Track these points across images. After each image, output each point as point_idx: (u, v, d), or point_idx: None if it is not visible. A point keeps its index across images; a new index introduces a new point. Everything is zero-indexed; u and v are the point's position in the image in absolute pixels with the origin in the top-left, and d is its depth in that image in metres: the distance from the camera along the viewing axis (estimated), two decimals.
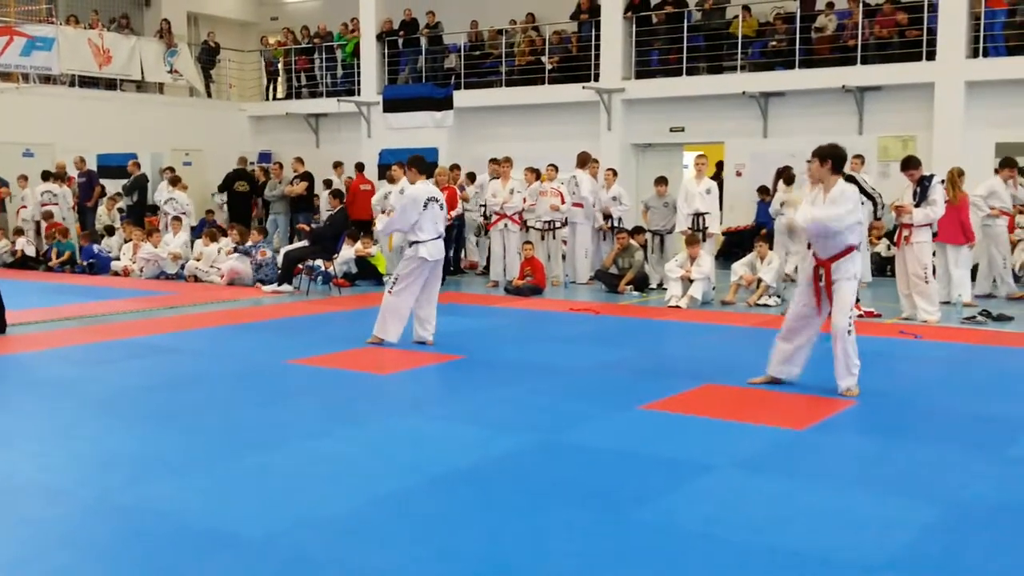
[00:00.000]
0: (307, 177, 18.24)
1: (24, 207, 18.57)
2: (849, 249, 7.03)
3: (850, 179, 11.31)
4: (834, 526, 4.47)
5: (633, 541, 4.29)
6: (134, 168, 18.74)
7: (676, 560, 4.12)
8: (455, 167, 16.45)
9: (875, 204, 11.53)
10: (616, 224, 14.71)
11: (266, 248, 14.71)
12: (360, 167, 18.72)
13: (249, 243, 14.78)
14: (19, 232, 17.74)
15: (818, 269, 7.09)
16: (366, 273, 14.78)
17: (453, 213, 14.58)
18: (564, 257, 15.14)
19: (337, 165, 19.80)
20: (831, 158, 7.03)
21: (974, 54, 16.03)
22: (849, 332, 7.00)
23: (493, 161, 15.80)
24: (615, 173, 15.34)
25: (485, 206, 15.60)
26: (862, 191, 11.45)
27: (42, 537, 4.43)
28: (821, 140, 15.77)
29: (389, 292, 9.29)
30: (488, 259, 15.74)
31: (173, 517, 4.60)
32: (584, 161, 15.00)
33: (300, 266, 13.95)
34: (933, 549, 4.23)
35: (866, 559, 4.08)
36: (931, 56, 16.15)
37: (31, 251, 17.55)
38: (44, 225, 17.83)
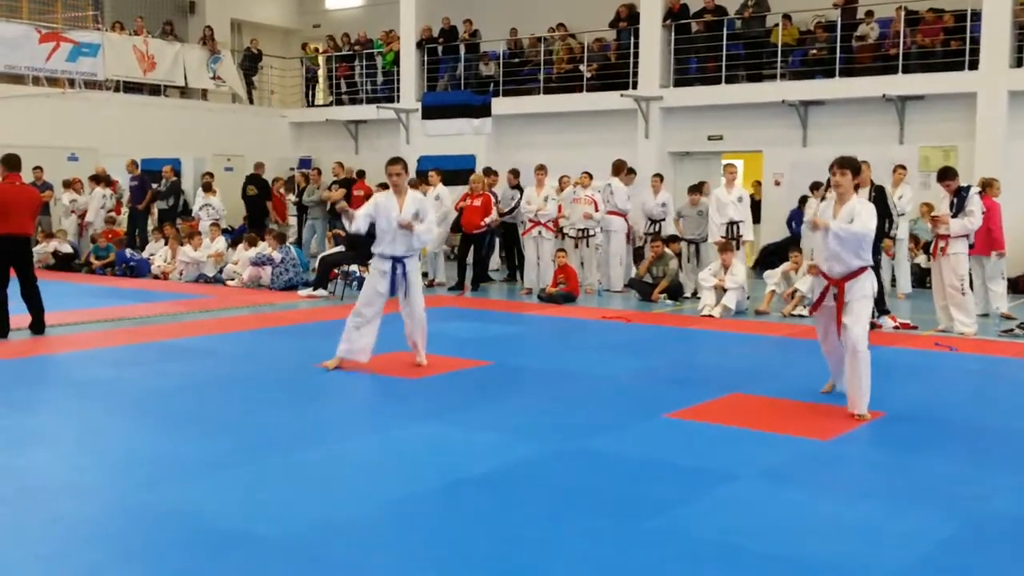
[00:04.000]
0: (346, 183, 18.39)
1: (73, 212, 18.86)
2: (863, 269, 6.89)
3: (879, 191, 11.23)
4: (851, 538, 4.44)
5: (648, 549, 4.29)
6: (169, 174, 19.00)
7: (690, 568, 4.12)
8: (488, 171, 16.47)
9: (891, 222, 11.42)
10: (654, 232, 14.67)
11: (277, 253, 14.83)
12: (361, 174, 19.21)
13: (265, 253, 14.92)
14: (49, 235, 17.92)
15: (829, 289, 6.94)
16: None
17: (487, 219, 14.63)
18: (598, 265, 15.13)
19: (361, 175, 20.00)
20: (856, 171, 6.90)
21: (1018, 64, 15.84)
22: (867, 350, 6.76)
23: (512, 173, 15.99)
24: (662, 179, 15.31)
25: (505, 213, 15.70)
26: (885, 206, 11.29)
27: (72, 535, 4.51)
28: (862, 150, 15.71)
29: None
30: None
31: (196, 517, 4.67)
32: (619, 169, 14.98)
33: (336, 271, 14.07)
34: (949, 562, 4.20)
35: (880, 571, 4.06)
36: (974, 66, 15.97)
37: (67, 248, 17.76)
38: (102, 230, 18.05)
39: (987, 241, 11.68)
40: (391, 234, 8.42)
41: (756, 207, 14.53)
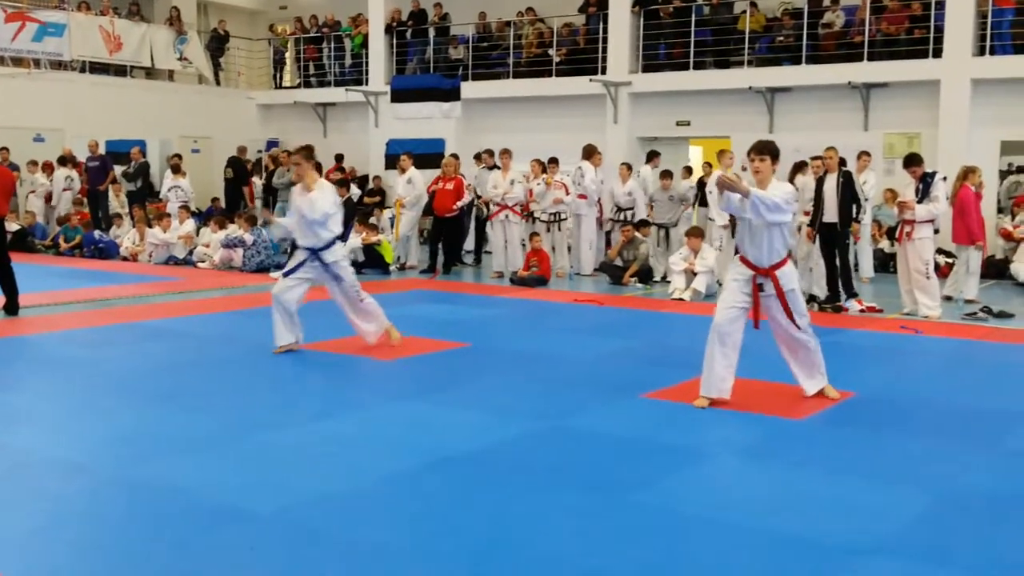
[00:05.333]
0: (317, 167, 18.34)
1: (33, 192, 18.71)
2: (786, 259, 6.62)
3: (847, 177, 11.44)
4: (826, 512, 4.59)
5: (631, 522, 4.42)
6: (137, 155, 18.86)
7: (672, 540, 4.25)
8: (456, 156, 16.54)
9: (859, 207, 11.68)
10: (626, 219, 14.78)
11: (249, 235, 14.84)
12: (339, 158, 19.47)
13: (235, 235, 14.93)
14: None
15: (756, 278, 6.56)
16: (373, 261, 14.90)
17: (460, 203, 14.70)
18: (569, 249, 15.25)
19: (339, 158, 20.03)
20: (775, 156, 6.58)
21: (981, 52, 16.09)
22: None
23: (487, 153, 15.96)
24: (630, 168, 15.42)
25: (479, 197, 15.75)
26: (853, 192, 11.53)
27: (59, 511, 4.57)
28: (827, 136, 15.94)
29: (362, 302, 8.54)
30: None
31: (184, 493, 4.73)
32: (591, 153, 15.07)
33: None
34: (922, 536, 4.35)
35: (855, 544, 4.21)
36: (938, 54, 16.21)
37: (14, 227, 17.48)
38: (71, 212, 17.86)
39: (967, 231, 11.95)
40: (299, 228, 8.38)
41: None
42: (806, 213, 12.78)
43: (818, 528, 4.37)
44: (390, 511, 4.60)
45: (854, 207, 11.54)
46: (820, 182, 11.61)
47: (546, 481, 5.00)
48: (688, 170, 16.12)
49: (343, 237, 13.73)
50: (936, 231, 11.37)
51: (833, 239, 11.57)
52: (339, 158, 20.40)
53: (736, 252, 6.86)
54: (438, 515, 4.52)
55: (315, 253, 8.29)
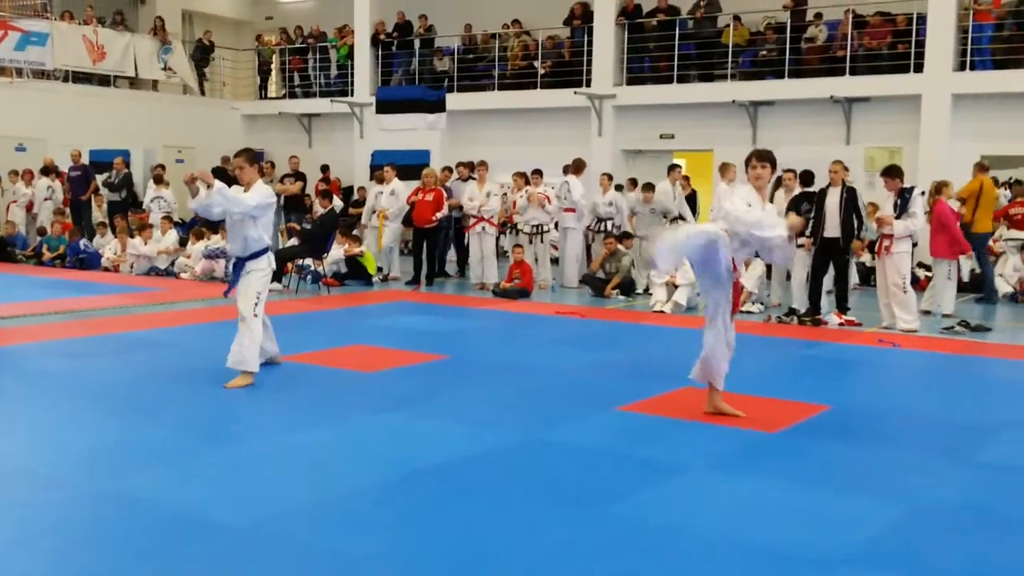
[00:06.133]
0: (302, 177, 18.37)
1: (14, 202, 18.66)
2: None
3: (851, 192, 11.40)
4: (798, 523, 4.62)
5: (605, 534, 4.43)
6: (120, 166, 18.81)
7: (644, 552, 4.26)
8: (448, 169, 16.60)
9: (861, 223, 11.57)
10: (610, 230, 14.80)
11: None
12: (324, 169, 19.60)
13: (216, 245, 14.91)
14: None
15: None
16: (356, 273, 14.91)
17: (439, 214, 14.72)
18: (556, 261, 15.28)
19: (325, 169, 20.04)
20: (775, 164, 6.72)
21: (961, 67, 16.24)
22: None
23: (463, 165, 15.96)
24: (611, 178, 15.44)
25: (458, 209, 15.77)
26: (857, 207, 11.49)
27: (33, 522, 4.55)
28: (809, 149, 15.98)
29: (255, 316, 7.75)
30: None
31: (160, 505, 4.72)
32: (579, 167, 15.07)
33: (290, 265, 14.08)
34: (892, 546, 4.37)
35: (825, 554, 4.23)
36: (919, 68, 16.36)
37: None
38: (52, 223, 17.81)
39: (947, 245, 12.00)
40: (230, 232, 7.87)
41: (692, 201, 14.76)
42: None
43: (790, 539, 4.40)
44: (364, 523, 4.60)
45: (856, 223, 11.42)
46: (822, 195, 11.56)
47: (520, 493, 5.01)
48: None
49: (324, 249, 13.89)
50: (915, 244, 11.42)
51: (832, 254, 11.55)
52: (324, 169, 20.40)
53: None
54: (411, 526, 4.53)
55: (242, 262, 7.78)
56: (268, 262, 7.89)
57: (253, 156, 7.96)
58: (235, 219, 7.71)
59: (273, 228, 18.03)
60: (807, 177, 12.55)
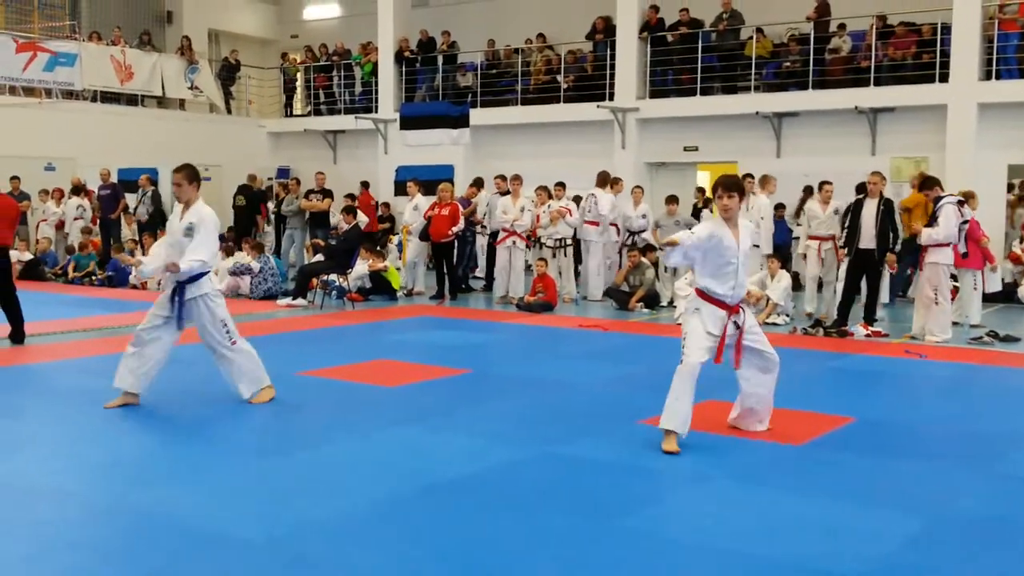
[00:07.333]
0: (329, 194, 18.46)
1: (44, 220, 18.87)
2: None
3: (888, 204, 11.25)
4: (817, 536, 4.57)
5: (620, 548, 4.40)
6: (146, 183, 18.94)
7: (658, 566, 4.23)
8: (475, 184, 16.69)
9: (896, 236, 11.37)
10: (633, 243, 14.78)
11: (256, 262, 14.89)
12: (365, 184, 19.53)
13: (241, 262, 14.98)
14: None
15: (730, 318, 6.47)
16: (380, 288, 14.96)
17: (455, 228, 14.73)
18: (579, 274, 15.26)
19: (365, 185, 20.15)
20: (743, 193, 6.45)
21: (987, 76, 16.13)
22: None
23: (500, 178, 15.95)
24: (643, 191, 15.42)
25: (482, 226, 15.75)
26: (893, 220, 11.32)
27: (51, 538, 4.58)
28: (834, 160, 15.88)
29: (233, 344, 7.44)
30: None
31: (178, 520, 4.74)
32: (605, 180, 15.04)
33: (315, 280, 14.15)
34: (911, 559, 4.32)
35: (843, 568, 4.19)
36: (944, 78, 16.25)
37: (27, 256, 17.63)
38: (80, 241, 18.00)
39: (977, 255, 11.89)
40: (171, 254, 7.23)
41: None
42: (811, 238, 12.76)
43: (807, 552, 4.35)
44: (381, 536, 4.59)
45: (891, 237, 11.26)
46: (858, 206, 11.41)
47: (537, 506, 4.99)
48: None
49: (348, 264, 13.94)
50: (964, 254, 11.29)
51: (866, 265, 11.44)
52: (365, 185, 20.28)
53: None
54: (426, 540, 4.52)
55: (182, 287, 7.18)
56: (210, 282, 7.34)
57: (194, 173, 7.26)
58: (172, 240, 7.25)
59: (298, 244, 18.28)
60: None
